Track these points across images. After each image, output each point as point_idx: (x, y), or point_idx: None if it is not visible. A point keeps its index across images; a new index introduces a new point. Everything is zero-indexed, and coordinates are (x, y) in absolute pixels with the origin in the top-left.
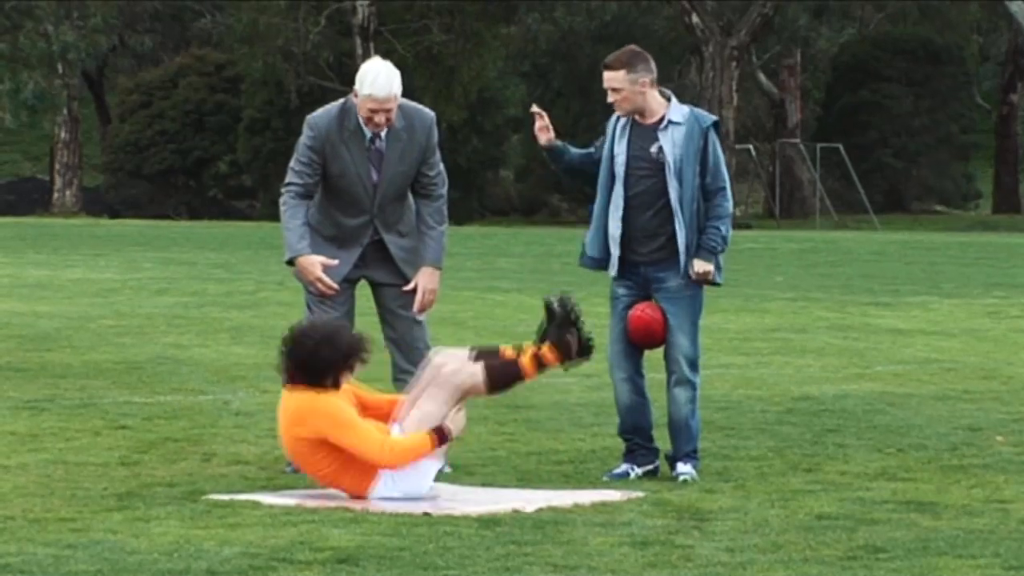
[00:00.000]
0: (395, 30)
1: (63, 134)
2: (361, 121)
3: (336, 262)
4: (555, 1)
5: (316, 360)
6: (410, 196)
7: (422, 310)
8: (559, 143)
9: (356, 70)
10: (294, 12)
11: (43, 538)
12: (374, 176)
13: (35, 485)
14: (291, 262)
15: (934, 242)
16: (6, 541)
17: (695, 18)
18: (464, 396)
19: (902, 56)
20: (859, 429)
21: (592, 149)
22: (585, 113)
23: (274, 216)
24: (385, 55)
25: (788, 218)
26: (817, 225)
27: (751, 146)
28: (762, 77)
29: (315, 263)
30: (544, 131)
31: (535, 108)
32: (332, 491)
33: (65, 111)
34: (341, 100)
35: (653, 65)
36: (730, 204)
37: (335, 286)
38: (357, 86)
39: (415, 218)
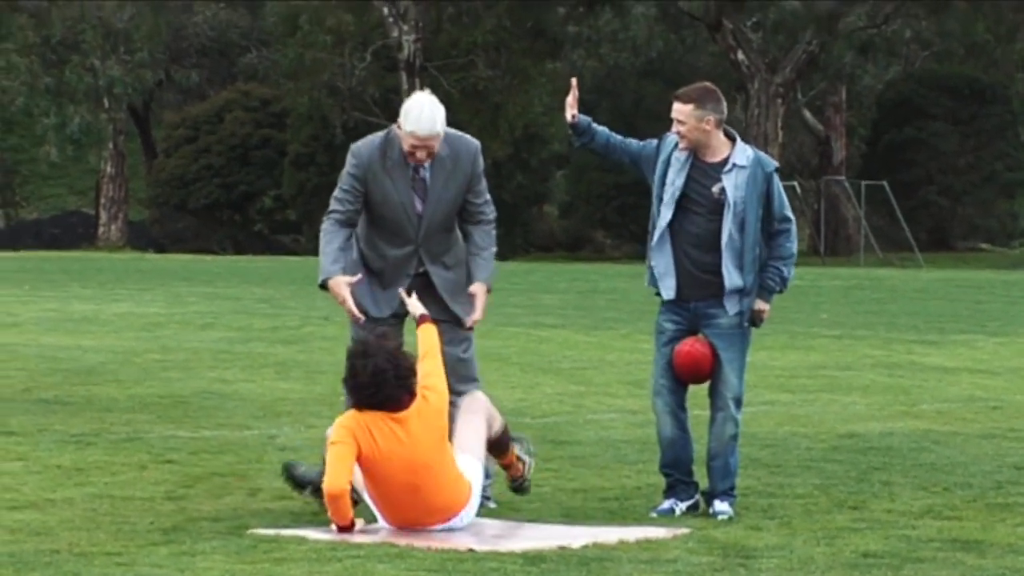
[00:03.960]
0: (441, 66)
1: (109, 168)
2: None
3: (359, 277)
4: (601, 37)
5: (393, 393)
6: (457, 230)
7: (473, 325)
8: (585, 120)
9: (401, 106)
10: (340, 47)
11: (89, 572)
12: (418, 205)
13: (81, 519)
14: (324, 286)
15: (979, 280)
16: (52, 575)
17: (741, 55)
18: (487, 427)
19: (947, 94)
20: (905, 467)
21: (630, 141)
22: None
23: (319, 251)
24: (431, 91)
25: (833, 255)
26: (862, 263)
27: (796, 183)
28: (807, 114)
29: (341, 284)
30: (570, 107)
31: (574, 81)
32: (375, 526)
33: (111, 145)
34: (385, 130)
35: (723, 106)
36: (793, 245)
37: (359, 315)
38: (401, 119)
39: (463, 248)
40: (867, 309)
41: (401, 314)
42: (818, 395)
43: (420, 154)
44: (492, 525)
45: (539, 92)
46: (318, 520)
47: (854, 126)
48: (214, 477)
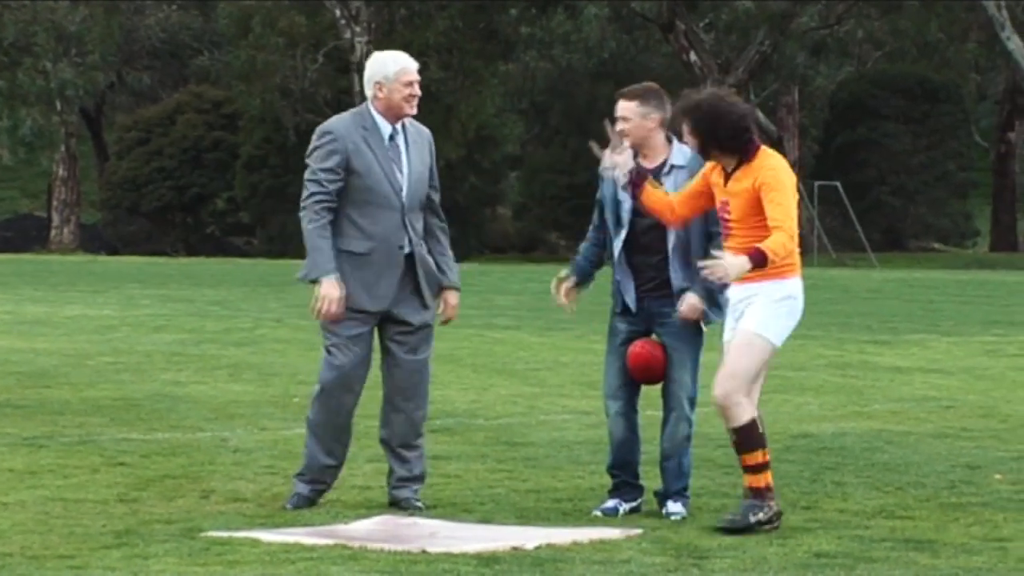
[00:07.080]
0: None
1: (61, 171)
2: (379, 120)
3: (339, 293)
4: (553, 38)
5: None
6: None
7: (448, 321)
8: (584, 276)
9: (354, 107)
10: (292, 50)
11: (41, 575)
12: (398, 174)
13: (33, 522)
14: (315, 280)
15: (932, 280)
16: None
17: (693, 56)
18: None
19: (900, 94)
20: (857, 467)
21: (589, 235)
22: (583, 150)
23: (271, 253)
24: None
25: None
26: (815, 263)
27: None
28: (760, 115)
29: (335, 287)
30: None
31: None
32: (329, 528)
33: (63, 148)
34: (351, 109)
35: (668, 106)
36: None
37: (341, 316)
38: (382, 72)
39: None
40: (820, 310)
41: (375, 312)
42: (771, 395)
43: (417, 89)
44: (445, 526)
45: (491, 93)
46: (271, 522)
47: (807, 126)
48: (166, 480)
